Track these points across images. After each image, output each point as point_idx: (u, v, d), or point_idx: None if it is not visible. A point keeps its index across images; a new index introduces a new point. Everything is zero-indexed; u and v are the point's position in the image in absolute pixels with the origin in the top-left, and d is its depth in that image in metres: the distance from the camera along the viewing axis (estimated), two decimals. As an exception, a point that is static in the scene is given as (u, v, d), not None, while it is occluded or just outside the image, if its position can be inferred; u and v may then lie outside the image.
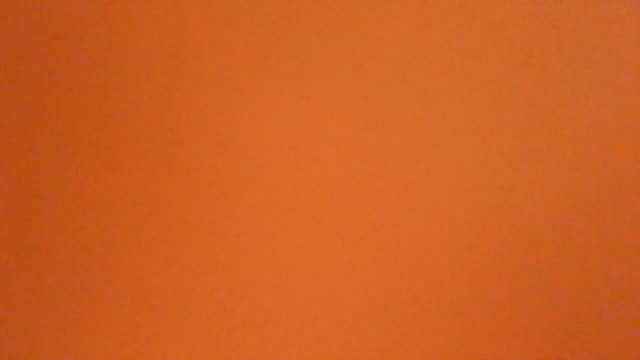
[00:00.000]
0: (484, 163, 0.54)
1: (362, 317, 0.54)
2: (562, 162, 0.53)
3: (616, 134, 0.53)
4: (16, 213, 0.56)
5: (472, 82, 0.54)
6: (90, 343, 0.55)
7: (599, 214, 0.53)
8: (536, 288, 0.53)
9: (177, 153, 0.55)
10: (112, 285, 0.55)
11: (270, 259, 0.55)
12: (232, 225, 0.55)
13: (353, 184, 0.54)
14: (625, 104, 0.53)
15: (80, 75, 0.55)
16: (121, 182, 0.55)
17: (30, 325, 0.56)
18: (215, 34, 0.55)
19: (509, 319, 0.54)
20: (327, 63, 0.54)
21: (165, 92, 0.55)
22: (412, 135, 0.54)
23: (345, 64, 0.54)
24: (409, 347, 0.54)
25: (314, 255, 0.54)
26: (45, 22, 0.56)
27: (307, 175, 0.54)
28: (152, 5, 0.55)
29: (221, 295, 0.55)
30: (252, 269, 0.55)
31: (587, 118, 0.53)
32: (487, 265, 0.53)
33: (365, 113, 0.54)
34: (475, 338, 0.54)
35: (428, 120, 0.54)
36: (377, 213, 0.54)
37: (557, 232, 0.53)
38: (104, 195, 0.55)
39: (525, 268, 0.53)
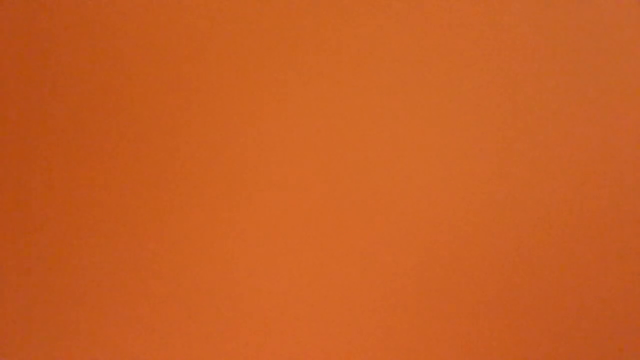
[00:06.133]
0: (483, 164, 0.54)
1: (361, 317, 0.54)
2: (560, 163, 0.53)
3: (617, 134, 0.53)
4: (16, 213, 0.56)
5: (471, 82, 0.54)
6: (90, 343, 0.55)
7: (599, 215, 0.53)
8: (536, 289, 0.53)
9: (176, 153, 0.55)
10: (111, 286, 0.55)
11: (269, 260, 0.55)
12: (232, 226, 0.55)
13: (353, 184, 0.54)
14: (625, 104, 0.53)
15: (79, 75, 0.55)
16: (121, 182, 0.55)
17: (30, 326, 0.56)
18: (215, 34, 0.55)
19: (508, 319, 0.54)
20: (327, 64, 0.54)
21: (164, 92, 0.55)
22: (411, 136, 0.54)
23: (344, 65, 0.54)
24: (408, 347, 0.54)
25: (313, 255, 0.54)
26: (45, 21, 0.56)
27: (306, 176, 0.54)
28: (152, 5, 0.55)
29: (220, 295, 0.55)
30: (252, 269, 0.55)
31: (587, 118, 0.53)
32: (485, 266, 0.54)
33: (364, 114, 0.54)
34: (473, 338, 0.54)
35: (428, 120, 0.54)
36: (377, 213, 0.54)
37: (556, 232, 0.53)
38: (103, 195, 0.55)
39: (525, 268, 0.53)
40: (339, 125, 0.54)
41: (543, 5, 0.53)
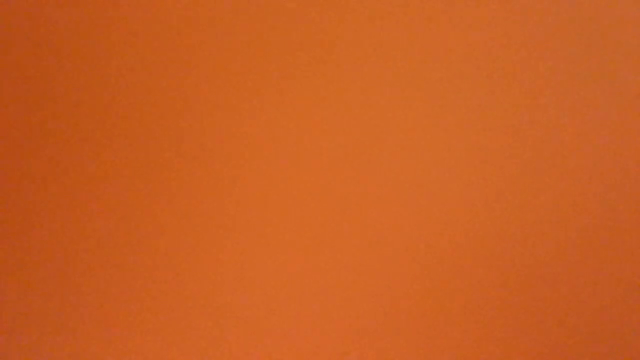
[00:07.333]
0: (483, 164, 0.54)
1: (361, 319, 0.54)
2: (560, 163, 0.53)
3: (617, 134, 0.53)
4: (18, 214, 0.56)
5: (471, 83, 0.54)
6: (90, 344, 0.55)
7: (599, 216, 0.53)
8: (536, 290, 0.53)
9: (177, 154, 0.55)
10: (111, 286, 0.55)
11: (270, 261, 0.55)
12: (232, 226, 0.55)
13: (353, 184, 0.54)
14: (625, 104, 0.53)
15: (80, 75, 0.56)
16: (121, 182, 0.55)
17: (30, 326, 0.56)
18: (215, 34, 0.55)
19: (507, 321, 0.54)
20: (327, 64, 0.54)
21: (165, 92, 0.55)
22: (412, 136, 0.54)
23: (345, 65, 0.54)
24: (408, 348, 0.54)
25: (314, 256, 0.54)
26: (45, 22, 0.56)
27: (306, 177, 0.54)
28: (152, 5, 0.55)
29: (221, 296, 0.55)
30: (252, 269, 0.55)
31: (587, 118, 0.53)
32: (486, 267, 0.54)
33: (365, 114, 0.54)
34: (473, 340, 0.54)
35: (428, 121, 0.54)
36: (376, 214, 0.54)
37: (556, 234, 0.53)
38: (103, 195, 0.55)
39: (524, 269, 0.53)
40: (339, 126, 0.54)
41: (543, 5, 0.53)
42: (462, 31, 0.54)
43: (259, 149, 0.55)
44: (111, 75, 0.55)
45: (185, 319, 0.55)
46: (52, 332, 0.56)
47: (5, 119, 0.56)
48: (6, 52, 0.56)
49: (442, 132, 0.54)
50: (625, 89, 0.53)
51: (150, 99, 0.55)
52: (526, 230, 0.53)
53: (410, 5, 0.54)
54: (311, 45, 0.54)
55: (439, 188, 0.54)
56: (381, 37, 0.54)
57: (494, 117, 0.53)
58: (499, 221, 0.53)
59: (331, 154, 0.54)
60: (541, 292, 0.53)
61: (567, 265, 0.53)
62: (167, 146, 0.55)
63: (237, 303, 0.55)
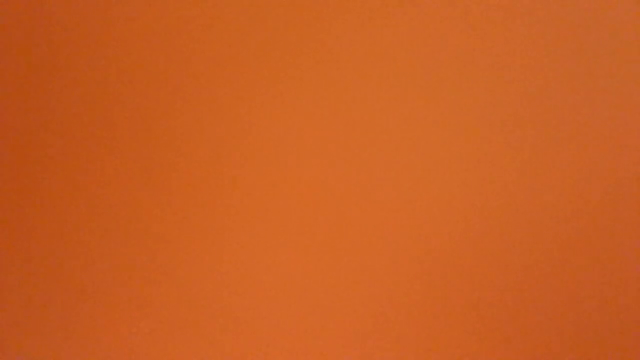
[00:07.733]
0: (482, 165, 0.54)
1: (362, 318, 0.54)
2: (560, 164, 0.53)
3: (617, 134, 0.53)
4: (20, 214, 0.56)
5: (471, 83, 0.54)
6: (90, 344, 0.55)
7: (598, 216, 0.53)
8: (535, 290, 0.53)
9: (177, 154, 0.55)
10: (112, 286, 0.55)
11: (270, 261, 0.55)
12: (232, 226, 0.55)
13: (354, 184, 0.54)
14: (625, 104, 0.53)
15: (81, 76, 0.56)
16: (120, 182, 0.55)
17: (31, 326, 0.56)
18: (216, 34, 0.55)
19: (507, 321, 0.54)
20: (326, 63, 0.54)
21: (166, 93, 0.55)
22: (412, 137, 0.54)
23: (344, 65, 0.54)
24: (408, 349, 0.54)
25: (313, 256, 0.54)
26: (46, 22, 0.56)
27: (307, 177, 0.54)
28: (152, 5, 0.55)
29: (220, 296, 0.55)
30: (252, 269, 0.55)
31: (587, 118, 0.53)
32: (484, 267, 0.54)
33: (365, 114, 0.54)
34: (471, 340, 0.54)
35: (428, 121, 0.54)
36: (377, 214, 0.54)
37: (555, 234, 0.53)
38: (103, 195, 0.55)
39: (524, 269, 0.53)
40: (339, 126, 0.54)
41: (544, 5, 0.53)
42: (462, 31, 0.54)
43: (258, 148, 0.55)
44: (111, 75, 0.55)
45: (186, 319, 0.55)
46: (52, 332, 0.56)
47: (6, 118, 0.56)
48: (6, 52, 0.56)
49: (442, 132, 0.54)
50: (625, 89, 0.53)
51: (151, 99, 0.55)
52: (526, 231, 0.53)
53: (411, 5, 0.54)
54: (311, 45, 0.54)
55: (438, 188, 0.54)
56: (381, 37, 0.54)
57: (493, 116, 0.53)
58: (498, 221, 0.53)
59: (331, 153, 0.54)
60: (541, 292, 0.53)
61: (567, 265, 0.53)
62: (167, 146, 0.55)
63: (237, 303, 0.55)
